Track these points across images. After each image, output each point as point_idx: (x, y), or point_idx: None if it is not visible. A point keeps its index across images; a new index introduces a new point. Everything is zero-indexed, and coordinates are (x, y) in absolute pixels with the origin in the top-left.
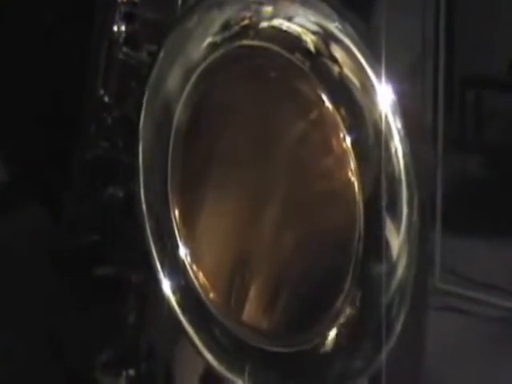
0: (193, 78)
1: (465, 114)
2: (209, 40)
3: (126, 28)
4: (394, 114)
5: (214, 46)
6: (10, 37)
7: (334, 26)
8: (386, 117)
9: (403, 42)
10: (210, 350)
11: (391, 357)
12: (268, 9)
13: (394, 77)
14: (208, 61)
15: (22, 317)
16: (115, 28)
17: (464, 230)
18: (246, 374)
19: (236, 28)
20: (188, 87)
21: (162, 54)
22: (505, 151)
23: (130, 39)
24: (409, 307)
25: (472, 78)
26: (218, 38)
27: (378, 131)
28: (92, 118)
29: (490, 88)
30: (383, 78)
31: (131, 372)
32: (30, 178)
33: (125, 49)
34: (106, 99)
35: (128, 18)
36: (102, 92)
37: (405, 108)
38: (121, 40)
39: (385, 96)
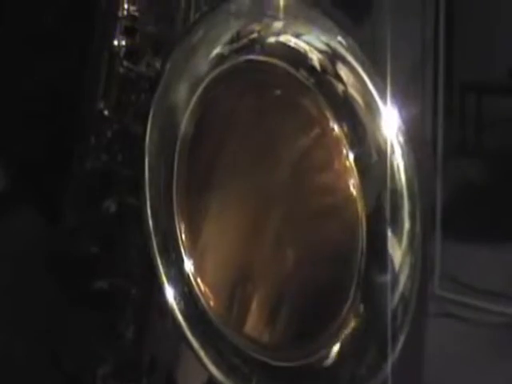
0: (199, 91)
1: (465, 120)
2: (217, 51)
3: (127, 42)
4: (397, 134)
5: (221, 58)
6: (7, 45)
7: (341, 46)
8: (389, 133)
9: (403, 47)
10: (215, 364)
11: (395, 367)
12: (277, 24)
13: (400, 99)
14: (214, 73)
15: (18, 324)
16: (115, 42)
17: (464, 236)
18: None
19: (244, 41)
20: (194, 99)
21: (168, 68)
22: (505, 157)
23: (131, 53)
24: (413, 316)
25: (472, 84)
26: (226, 50)
27: (379, 148)
28: (91, 131)
29: (490, 93)
30: (388, 101)
31: None
32: (29, 185)
33: (125, 63)
34: (106, 112)
35: (128, 32)
36: (101, 105)
37: (409, 129)
38: (121, 54)
39: (390, 120)
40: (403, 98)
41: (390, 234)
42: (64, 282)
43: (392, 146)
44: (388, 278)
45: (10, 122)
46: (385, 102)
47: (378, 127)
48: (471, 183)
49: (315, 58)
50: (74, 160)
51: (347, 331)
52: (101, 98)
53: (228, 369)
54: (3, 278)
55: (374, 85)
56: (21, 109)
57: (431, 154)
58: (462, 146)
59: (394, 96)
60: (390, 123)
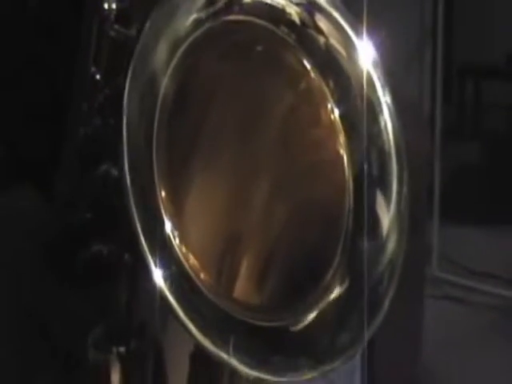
0: (179, 53)
1: (463, 103)
2: (194, 16)
3: (117, 5)
4: (383, 87)
5: (199, 22)
6: None
7: None
8: (375, 90)
9: (401, 30)
10: (195, 324)
11: (381, 332)
12: None
13: (376, 34)
14: (194, 36)
15: (9, 296)
16: (106, 5)
17: (461, 218)
18: (231, 346)
19: (220, 3)
20: (174, 61)
21: (147, 27)
22: (503, 140)
23: (121, 16)
24: (399, 283)
25: (470, 68)
26: (203, 14)
27: (367, 103)
28: (83, 96)
29: (488, 77)
30: (364, 36)
31: (121, 349)
32: (20, 157)
33: (116, 26)
34: (98, 76)
35: None
36: (93, 69)
37: (388, 65)
38: (112, 17)
39: (366, 53)
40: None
41: (378, 194)
42: (57, 250)
43: (380, 104)
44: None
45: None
46: (364, 45)
47: (362, 78)
48: (469, 166)
49: (293, 12)
50: (67, 126)
51: (333, 293)
52: (92, 61)
53: (208, 328)
54: None
55: (355, 33)
56: (10, 82)
57: (429, 137)
58: (460, 130)
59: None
60: (366, 58)
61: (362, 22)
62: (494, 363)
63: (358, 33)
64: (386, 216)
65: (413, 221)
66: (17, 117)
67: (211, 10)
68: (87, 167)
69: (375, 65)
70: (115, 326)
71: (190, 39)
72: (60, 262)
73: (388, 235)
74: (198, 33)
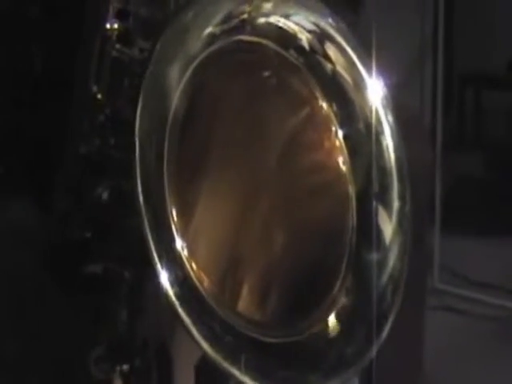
0: (189, 71)
1: (464, 112)
2: (207, 32)
3: (119, 25)
4: (385, 108)
5: (211, 39)
6: None
7: (329, 25)
8: (377, 111)
9: (402, 39)
10: (207, 340)
11: (385, 347)
12: (267, 5)
13: (386, 70)
14: (205, 53)
15: (10, 312)
16: (108, 25)
17: (463, 229)
18: (242, 363)
19: (234, 21)
20: (184, 80)
21: (158, 48)
22: (504, 149)
23: (123, 36)
24: (402, 298)
25: (471, 76)
26: (217, 31)
27: (369, 126)
28: (84, 115)
29: (489, 86)
30: (374, 72)
31: (125, 367)
32: (21, 173)
33: (118, 46)
34: (99, 96)
35: (121, 15)
36: (94, 89)
37: (396, 101)
38: (114, 37)
39: (376, 90)
40: (392, 76)
41: (380, 211)
42: (58, 267)
43: (381, 124)
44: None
45: (2, 108)
46: (372, 79)
47: (367, 105)
48: (470, 176)
49: (304, 38)
50: (67, 144)
51: (337, 310)
52: (93, 81)
53: (219, 344)
54: None
55: (363, 64)
56: (13, 95)
57: (430, 146)
58: (461, 139)
59: (382, 74)
60: (379, 101)
61: (371, 56)
62: (495, 373)
63: (367, 67)
64: (388, 232)
65: (414, 235)
66: (18, 134)
67: (225, 27)
68: (86, 185)
69: (384, 101)
70: (117, 343)
71: (202, 56)
72: (59, 278)
73: (390, 250)
74: (210, 50)
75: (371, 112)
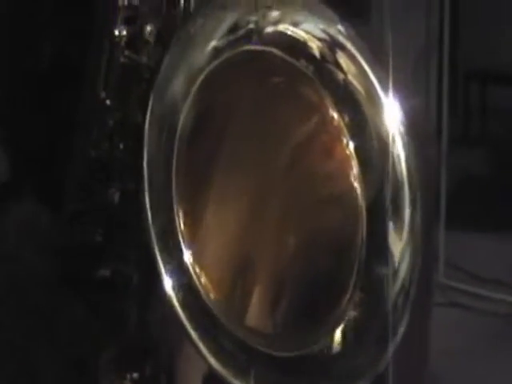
0: (198, 82)
1: (469, 109)
2: (213, 44)
3: (127, 31)
4: (398, 124)
5: (218, 51)
6: (5, 38)
7: (340, 34)
8: (390, 123)
9: (407, 36)
10: (214, 354)
11: (395, 357)
12: (274, 14)
13: (402, 89)
14: (213, 65)
15: (19, 315)
16: (116, 31)
17: (468, 225)
18: (252, 378)
19: (241, 31)
20: (193, 91)
21: (167, 59)
22: (509, 146)
23: (132, 42)
24: (412, 308)
25: (476, 73)
26: (223, 42)
27: (380, 137)
28: (94, 121)
29: (494, 82)
30: (390, 91)
31: (135, 375)
32: (31, 176)
33: (126, 52)
34: (108, 102)
35: (129, 22)
36: (103, 95)
37: (411, 120)
38: (122, 43)
39: (392, 110)
40: (405, 89)
41: (390, 224)
42: (67, 270)
43: (393, 137)
44: (388, 268)
45: (13, 111)
46: (386, 92)
47: (378, 116)
48: (475, 173)
49: (314, 46)
50: (77, 149)
51: (347, 321)
52: (102, 87)
53: (227, 358)
54: (7, 268)
55: (375, 73)
56: (24, 99)
57: (435, 144)
58: (466, 136)
59: (395, 85)
60: (391, 113)
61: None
62: (500, 369)
63: (378, 75)
64: (399, 243)
65: (423, 238)
66: (30, 137)
67: (231, 37)
68: (95, 190)
69: (400, 123)
70: (127, 347)
71: (210, 68)
72: (69, 280)
73: (400, 262)
74: (217, 62)
75: (383, 124)
